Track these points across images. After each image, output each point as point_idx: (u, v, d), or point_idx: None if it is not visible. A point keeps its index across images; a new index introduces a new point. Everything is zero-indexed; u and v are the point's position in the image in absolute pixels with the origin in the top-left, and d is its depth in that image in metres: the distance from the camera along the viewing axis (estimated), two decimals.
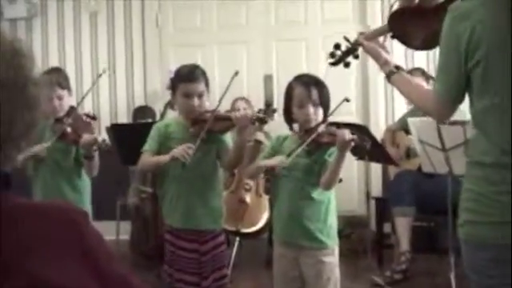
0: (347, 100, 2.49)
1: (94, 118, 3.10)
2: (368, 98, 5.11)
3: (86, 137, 2.89)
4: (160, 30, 5.41)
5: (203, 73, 2.69)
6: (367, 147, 2.36)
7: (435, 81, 1.82)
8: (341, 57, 2.30)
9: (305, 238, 2.52)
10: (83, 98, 3.22)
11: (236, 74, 2.61)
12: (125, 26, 5.42)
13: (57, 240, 0.87)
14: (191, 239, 2.67)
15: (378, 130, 4.71)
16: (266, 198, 4.20)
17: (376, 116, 5.04)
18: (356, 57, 2.28)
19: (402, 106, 4.75)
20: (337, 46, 2.31)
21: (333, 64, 2.33)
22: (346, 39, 2.28)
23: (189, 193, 2.65)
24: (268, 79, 5.28)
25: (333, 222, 2.58)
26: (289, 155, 2.46)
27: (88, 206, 3.10)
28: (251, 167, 2.63)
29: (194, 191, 2.65)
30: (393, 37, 2.08)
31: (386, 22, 2.10)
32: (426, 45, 2.05)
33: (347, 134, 2.33)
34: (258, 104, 2.67)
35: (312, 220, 2.52)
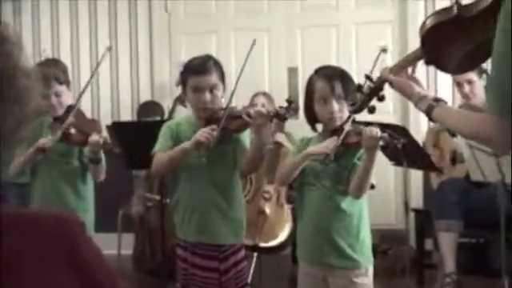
0: (384, 50, 2.44)
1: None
2: None
3: (94, 137, 2.91)
4: (169, 16, 5.44)
5: (217, 64, 2.70)
6: (399, 146, 2.33)
7: (487, 97, 1.73)
8: (363, 102, 2.27)
9: (334, 255, 2.52)
10: (82, 92, 3.21)
11: (254, 43, 2.62)
12: (129, 10, 5.46)
13: (47, 253, 0.88)
14: (209, 255, 2.68)
15: (419, 132, 4.69)
16: (287, 209, 4.20)
17: (416, 115, 4.99)
18: (380, 99, 2.25)
19: (447, 94, 4.71)
20: (359, 88, 2.28)
21: (353, 112, 2.33)
22: (368, 78, 2.24)
23: (205, 201, 2.67)
24: (292, 72, 5.28)
25: (366, 236, 2.58)
26: (322, 162, 2.44)
27: (92, 216, 3.13)
28: (285, 165, 2.61)
29: (211, 199, 2.67)
30: (427, 63, 2.02)
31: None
32: (468, 64, 1.98)
33: (374, 131, 2.32)
34: (281, 100, 2.65)
35: (342, 234, 2.52)
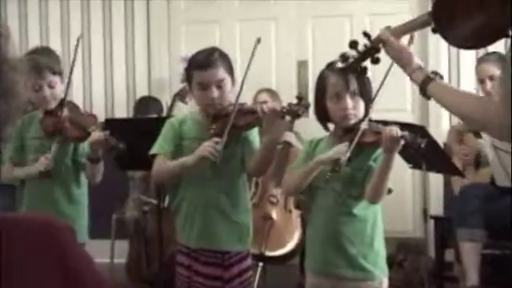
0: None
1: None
2: None
3: (96, 134, 2.91)
4: (168, 3, 5.44)
5: (223, 56, 2.72)
6: (422, 147, 2.33)
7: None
8: (355, 59, 2.27)
9: (346, 265, 2.52)
10: (68, 84, 3.13)
11: (258, 41, 2.63)
12: None
13: (34, 260, 0.88)
14: (213, 262, 2.70)
15: (440, 132, 4.68)
16: (296, 214, 4.20)
17: (437, 114, 4.99)
18: (375, 61, 2.25)
19: (469, 89, 4.70)
20: (353, 45, 2.28)
21: (342, 70, 2.34)
22: (366, 35, 2.24)
23: (209, 205, 2.68)
24: (302, 66, 5.28)
25: (381, 245, 2.58)
26: (333, 170, 2.43)
27: (85, 221, 3.13)
28: (293, 175, 2.61)
29: (215, 203, 2.69)
30: (435, 31, 2.02)
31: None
32: (474, 40, 1.96)
33: (395, 130, 2.32)
34: (290, 97, 2.65)
35: (355, 243, 2.51)
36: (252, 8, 5.35)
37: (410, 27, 2.10)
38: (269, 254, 4.10)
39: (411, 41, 2.12)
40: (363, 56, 2.26)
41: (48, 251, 0.90)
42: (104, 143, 2.92)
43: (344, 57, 2.31)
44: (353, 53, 2.29)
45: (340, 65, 2.34)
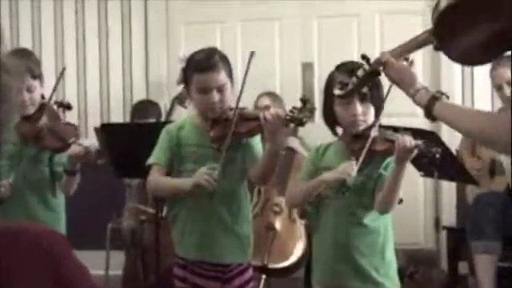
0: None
1: (68, 106, 3.11)
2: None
3: (75, 148, 2.90)
4: (167, 2, 5.45)
5: (224, 58, 2.72)
6: (437, 157, 2.33)
7: None
8: (355, 86, 2.26)
9: (355, 277, 2.52)
10: (55, 87, 3.12)
11: (252, 54, 2.65)
12: None
13: (26, 270, 0.89)
14: (211, 276, 2.70)
15: (453, 138, 4.66)
16: (301, 224, 4.19)
17: None
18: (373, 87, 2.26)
19: (485, 105, 4.70)
20: (351, 72, 2.28)
21: (341, 97, 2.35)
22: (365, 58, 2.24)
23: (207, 215, 2.68)
24: (307, 68, 5.28)
25: (392, 257, 2.58)
26: (338, 191, 2.44)
27: (63, 228, 3.12)
28: (297, 189, 2.63)
29: (215, 213, 2.68)
30: (437, 48, 2.01)
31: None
32: (479, 55, 1.95)
33: (408, 140, 2.32)
34: (294, 101, 2.64)
35: (365, 254, 2.52)
36: (254, 7, 5.35)
37: (409, 47, 2.10)
38: (272, 265, 4.09)
39: (411, 64, 2.12)
40: (362, 81, 2.27)
41: (41, 261, 0.91)
42: (83, 157, 2.91)
43: (342, 83, 2.31)
44: (352, 79, 2.29)
45: (338, 92, 2.33)
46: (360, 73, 2.25)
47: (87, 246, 3.26)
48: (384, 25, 5.13)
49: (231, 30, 5.38)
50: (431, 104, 1.96)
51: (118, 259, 4.72)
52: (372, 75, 2.22)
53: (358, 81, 2.26)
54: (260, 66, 5.14)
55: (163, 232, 3.76)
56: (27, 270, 0.90)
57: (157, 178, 2.70)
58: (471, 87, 4.91)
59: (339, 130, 2.62)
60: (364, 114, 2.50)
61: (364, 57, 2.24)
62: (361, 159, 2.43)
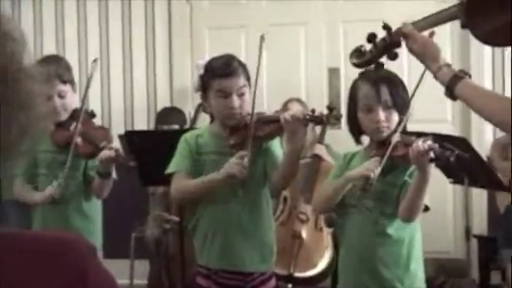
0: None
1: (92, 114, 3.15)
2: None
3: (106, 152, 2.94)
4: (191, 7, 5.48)
5: (242, 64, 2.75)
6: (451, 160, 2.27)
7: None
8: (372, 55, 2.22)
9: None
10: (85, 94, 3.21)
11: (262, 38, 2.70)
12: (145, 1, 5.49)
13: (51, 280, 0.89)
14: (234, 285, 2.71)
15: (484, 144, 4.64)
16: (327, 233, 4.18)
17: (480, 125, 4.95)
18: (393, 57, 2.20)
19: None
20: (371, 38, 2.24)
21: (357, 66, 2.31)
22: (386, 27, 2.21)
23: (229, 223, 2.69)
24: (333, 74, 5.28)
25: (418, 267, 2.57)
26: (362, 189, 2.43)
27: (99, 237, 3.16)
28: (323, 192, 2.62)
29: (236, 220, 2.70)
30: (464, 26, 1.98)
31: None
32: (504, 37, 1.93)
33: (421, 145, 2.28)
34: (320, 107, 2.65)
35: (389, 265, 2.51)
36: (280, 12, 5.36)
37: (434, 21, 2.07)
38: (298, 274, 4.09)
39: (431, 35, 2.08)
40: (381, 51, 2.22)
41: (67, 270, 0.91)
42: (115, 160, 2.95)
43: (360, 51, 2.29)
44: (370, 47, 2.26)
45: (355, 60, 2.31)
46: (379, 42, 2.22)
47: (111, 255, 3.28)
48: None
49: (257, 35, 5.37)
50: (454, 83, 1.94)
51: (142, 268, 4.75)
52: (391, 46, 2.19)
53: (376, 50, 2.23)
54: (285, 71, 5.20)
55: (188, 241, 3.76)
56: (50, 280, 0.90)
57: (184, 182, 2.71)
58: (502, 67, 4.87)
59: (366, 140, 2.62)
60: (387, 120, 2.49)
61: (385, 26, 2.21)
62: (383, 162, 2.41)
